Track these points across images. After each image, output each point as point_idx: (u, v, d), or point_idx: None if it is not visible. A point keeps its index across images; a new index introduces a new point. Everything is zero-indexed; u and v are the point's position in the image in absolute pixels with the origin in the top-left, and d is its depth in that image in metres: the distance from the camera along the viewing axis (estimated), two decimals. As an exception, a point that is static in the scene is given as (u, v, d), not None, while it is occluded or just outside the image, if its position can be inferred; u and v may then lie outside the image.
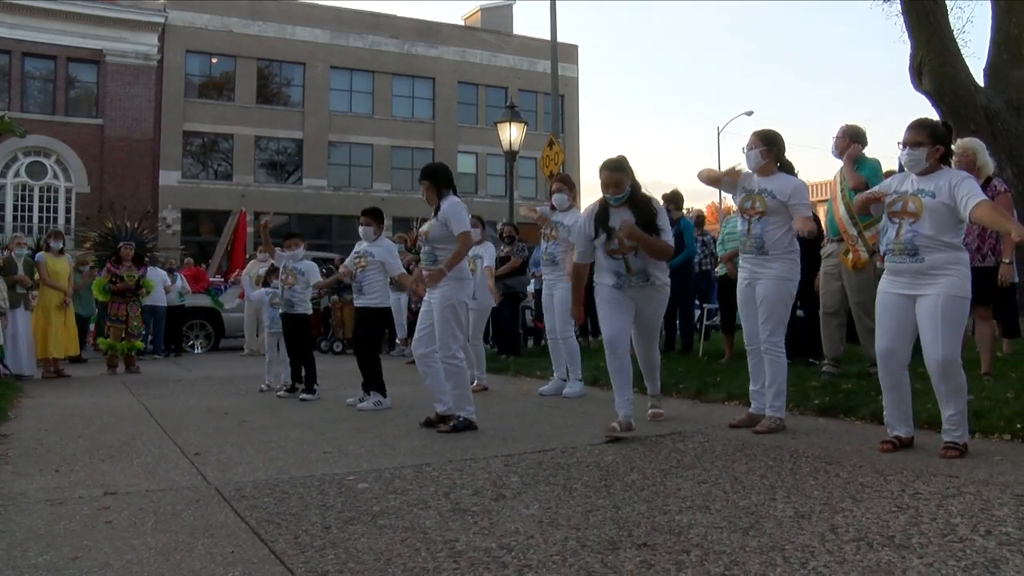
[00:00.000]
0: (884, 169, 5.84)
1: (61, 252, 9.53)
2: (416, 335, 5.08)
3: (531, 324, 11.45)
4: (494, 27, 32.79)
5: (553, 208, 6.38)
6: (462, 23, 33.81)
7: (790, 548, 2.40)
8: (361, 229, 6.20)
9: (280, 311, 6.93)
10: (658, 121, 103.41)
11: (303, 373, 6.78)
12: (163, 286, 11.81)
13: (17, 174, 25.38)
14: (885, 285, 3.83)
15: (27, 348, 8.58)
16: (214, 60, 28.37)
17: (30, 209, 25.49)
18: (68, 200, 25.82)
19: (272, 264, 7.60)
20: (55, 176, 25.84)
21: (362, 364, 6.09)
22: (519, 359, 8.94)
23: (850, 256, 5.62)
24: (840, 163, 5.86)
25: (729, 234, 7.49)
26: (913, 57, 10.62)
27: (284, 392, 6.86)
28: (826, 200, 6.42)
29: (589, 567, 2.28)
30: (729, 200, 7.18)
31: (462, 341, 5.00)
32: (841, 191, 5.70)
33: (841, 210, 5.67)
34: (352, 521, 2.82)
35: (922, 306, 3.66)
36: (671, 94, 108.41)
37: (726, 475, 3.40)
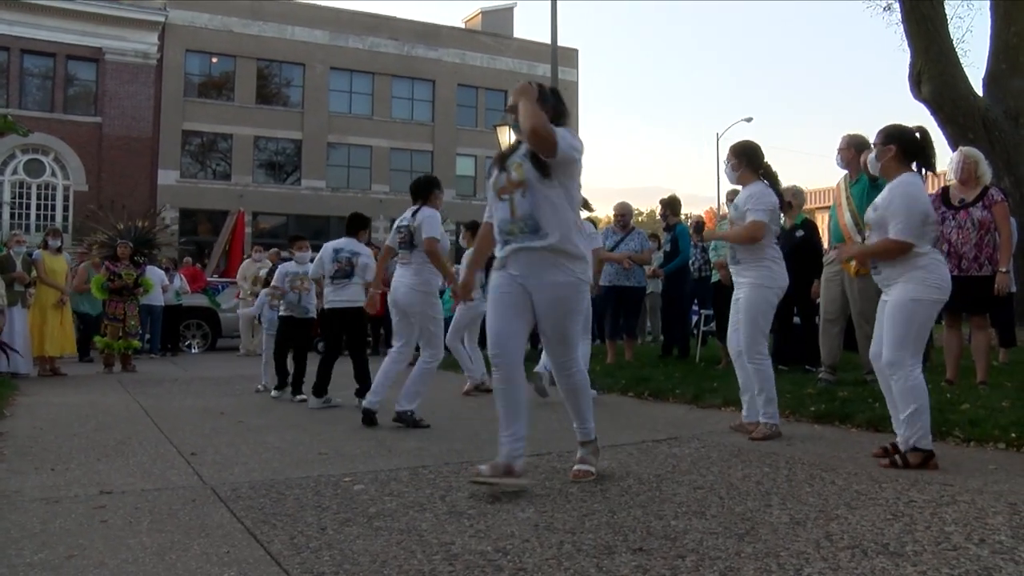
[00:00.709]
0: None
1: (59, 250, 9.53)
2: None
3: None
4: (495, 30, 32.84)
5: None
6: (463, 25, 33.87)
7: (785, 555, 2.41)
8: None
9: (295, 315, 6.87)
10: (657, 126, 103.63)
11: (301, 377, 6.70)
12: (160, 285, 11.79)
13: (15, 171, 25.36)
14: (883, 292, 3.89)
15: (23, 346, 8.57)
16: (214, 60, 28.38)
17: (28, 207, 25.47)
18: (66, 198, 25.80)
19: (272, 265, 7.57)
20: (53, 174, 25.82)
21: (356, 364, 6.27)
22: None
23: (853, 263, 5.64)
24: (844, 172, 5.89)
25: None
26: (912, 66, 10.68)
27: (297, 400, 6.61)
28: (828, 207, 6.43)
29: (584, 571, 2.29)
30: (726, 207, 7.22)
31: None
32: (846, 198, 5.72)
33: (846, 217, 5.68)
34: (348, 523, 2.82)
35: (882, 311, 3.80)
36: (671, 99, 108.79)
37: (722, 481, 3.41)
